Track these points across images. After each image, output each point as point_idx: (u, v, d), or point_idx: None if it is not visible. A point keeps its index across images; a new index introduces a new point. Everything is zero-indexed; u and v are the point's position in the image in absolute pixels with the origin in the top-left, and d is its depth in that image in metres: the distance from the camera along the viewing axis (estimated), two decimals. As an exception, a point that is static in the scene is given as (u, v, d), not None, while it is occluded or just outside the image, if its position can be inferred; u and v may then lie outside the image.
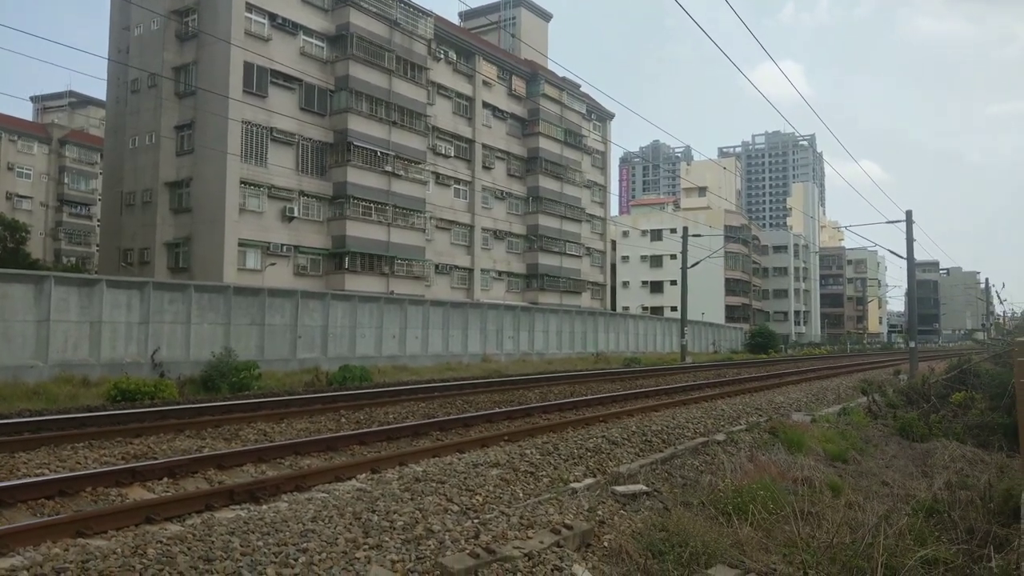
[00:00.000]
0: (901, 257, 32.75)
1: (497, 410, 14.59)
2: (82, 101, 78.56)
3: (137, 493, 7.74)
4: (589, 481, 8.39)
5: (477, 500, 7.28)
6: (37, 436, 10.33)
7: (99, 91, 77.89)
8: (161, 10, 37.50)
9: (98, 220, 56.98)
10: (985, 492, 9.63)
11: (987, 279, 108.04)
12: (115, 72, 40.47)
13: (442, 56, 48.52)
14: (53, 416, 12.41)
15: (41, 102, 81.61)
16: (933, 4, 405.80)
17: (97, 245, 56.33)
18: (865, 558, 6.22)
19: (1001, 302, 61.45)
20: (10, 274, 18.94)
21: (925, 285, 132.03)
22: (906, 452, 14.40)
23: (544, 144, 56.86)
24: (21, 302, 18.45)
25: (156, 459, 9.09)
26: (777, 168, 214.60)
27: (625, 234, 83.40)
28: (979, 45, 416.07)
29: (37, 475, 8.12)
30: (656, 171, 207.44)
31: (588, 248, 63.91)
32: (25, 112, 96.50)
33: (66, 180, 69.87)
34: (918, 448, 14.71)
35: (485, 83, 52.26)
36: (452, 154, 49.55)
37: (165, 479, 8.20)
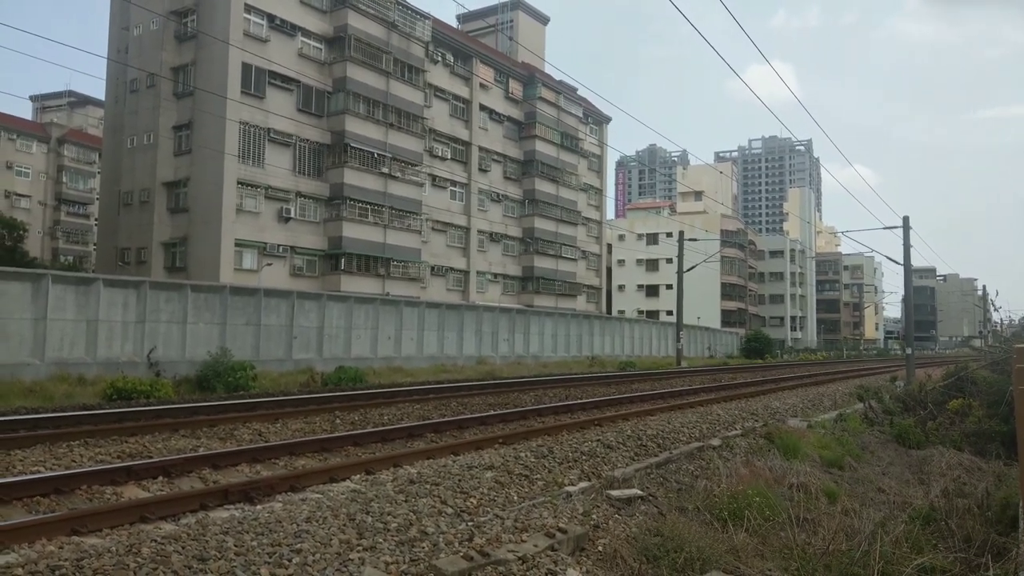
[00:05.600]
0: (898, 263, 32.80)
1: (492, 412, 14.56)
2: (81, 100, 78.47)
3: (132, 492, 7.71)
4: (584, 485, 8.38)
5: (471, 503, 7.26)
6: (33, 434, 10.29)
7: (98, 91, 77.84)
8: (160, 10, 37.46)
9: (96, 219, 56.92)
10: (983, 500, 9.64)
11: (984, 286, 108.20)
12: (114, 72, 40.42)
13: (439, 59, 48.54)
14: (49, 414, 12.36)
15: (40, 101, 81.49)
16: (919, 9, 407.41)
17: (94, 244, 56.20)
18: (861, 566, 6.23)
19: (996, 309, 61.63)
20: (7, 272, 18.86)
21: (922, 291, 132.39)
22: (903, 459, 14.42)
23: (540, 147, 56.91)
24: (18, 300, 18.39)
25: (151, 458, 9.05)
26: (773, 173, 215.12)
27: (621, 238, 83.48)
28: (964, 48, 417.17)
29: (33, 473, 8.09)
30: (652, 175, 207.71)
31: (584, 251, 63.95)
32: (24, 111, 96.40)
33: (64, 179, 69.78)
34: (915, 455, 14.73)
35: (482, 86, 52.31)
36: (449, 156, 49.56)
37: (160, 478, 8.17)
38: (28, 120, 74.44)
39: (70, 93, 78.49)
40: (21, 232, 50.57)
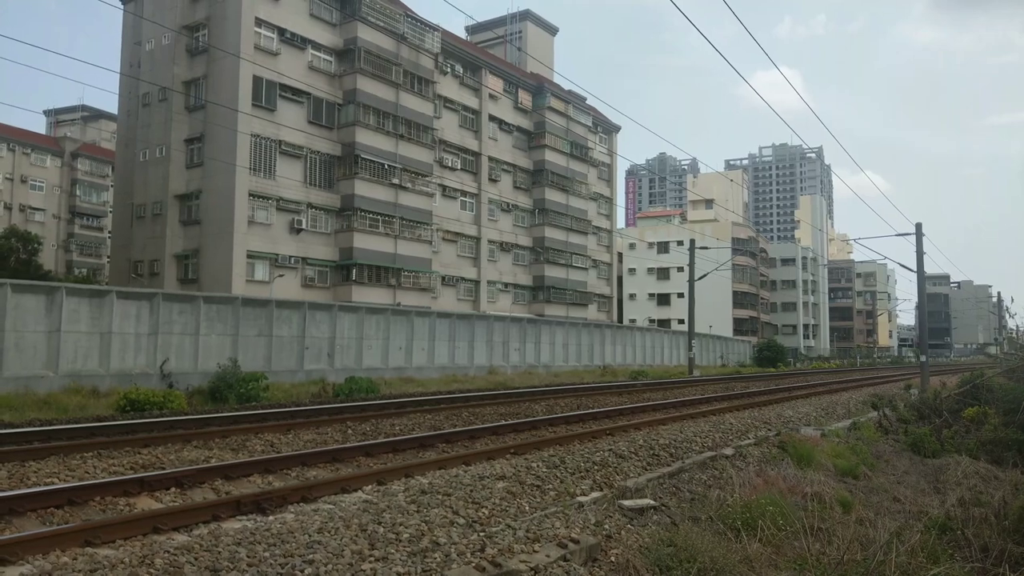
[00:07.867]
0: (911, 270, 32.61)
1: (503, 423, 14.53)
2: (94, 115, 79.42)
3: (145, 503, 7.74)
4: (596, 495, 8.34)
5: (483, 513, 7.24)
6: (47, 445, 10.36)
7: (111, 105, 78.71)
8: (172, 25, 37.90)
9: (109, 232, 57.45)
10: (1000, 509, 9.54)
11: (999, 293, 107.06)
12: (127, 86, 40.86)
13: (449, 70, 48.79)
14: (63, 426, 12.44)
15: (54, 116, 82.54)
16: (926, 15, 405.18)
17: (108, 256, 56.70)
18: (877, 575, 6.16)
19: (1011, 316, 61.01)
20: (22, 285, 19.06)
21: (936, 299, 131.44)
22: (918, 468, 14.28)
23: (550, 156, 57.02)
24: (33, 313, 18.57)
25: (164, 469, 9.09)
26: (784, 180, 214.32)
27: (632, 246, 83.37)
28: (973, 54, 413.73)
29: (46, 484, 8.13)
30: (663, 183, 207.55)
31: (594, 260, 63.90)
32: (39, 126, 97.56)
33: (78, 192, 70.51)
34: (930, 464, 14.59)
35: (491, 96, 52.51)
36: (459, 167, 49.73)
37: (173, 489, 8.20)
38: (42, 134, 75.35)
39: (83, 107, 79.49)
40: (35, 245, 51.05)
